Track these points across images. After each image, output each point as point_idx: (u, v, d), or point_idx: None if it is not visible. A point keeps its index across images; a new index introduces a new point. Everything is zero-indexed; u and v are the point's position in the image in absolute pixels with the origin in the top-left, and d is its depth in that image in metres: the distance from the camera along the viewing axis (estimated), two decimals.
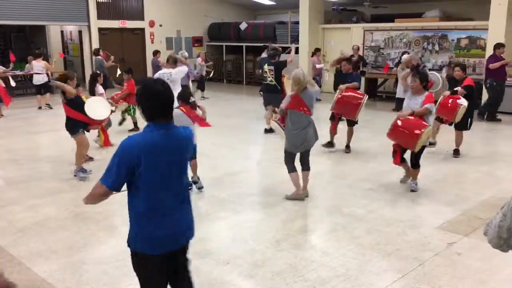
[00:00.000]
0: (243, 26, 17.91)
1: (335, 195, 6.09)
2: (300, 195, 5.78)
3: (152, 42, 17.94)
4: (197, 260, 4.30)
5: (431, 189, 6.20)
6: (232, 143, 8.98)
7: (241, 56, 18.41)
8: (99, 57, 13.69)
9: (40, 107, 12.83)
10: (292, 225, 5.09)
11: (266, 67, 9.41)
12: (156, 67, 12.24)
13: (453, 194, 6.01)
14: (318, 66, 13.55)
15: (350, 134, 8.17)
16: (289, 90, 7.14)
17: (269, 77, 9.34)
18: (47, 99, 12.88)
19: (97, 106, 6.81)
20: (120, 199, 5.93)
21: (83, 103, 6.65)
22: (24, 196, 5.98)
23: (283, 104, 5.66)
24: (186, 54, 11.93)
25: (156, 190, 2.64)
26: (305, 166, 5.85)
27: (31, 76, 13.21)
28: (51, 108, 12.64)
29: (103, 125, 7.63)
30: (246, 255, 4.41)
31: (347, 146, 8.18)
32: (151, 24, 17.85)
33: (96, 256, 4.40)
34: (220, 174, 6.95)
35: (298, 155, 5.81)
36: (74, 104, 6.55)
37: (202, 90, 14.34)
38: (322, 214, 5.42)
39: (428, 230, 4.94)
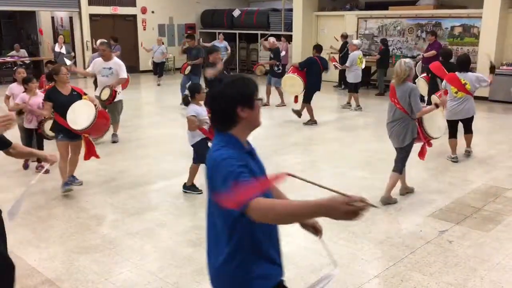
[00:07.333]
0: (236, 13, 17.74)
1: (327, 182, 6.07)
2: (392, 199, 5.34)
3: (145, 29, 17.75)
4: (190, 248, 4.30)
5: (423, 177, 6.20)
6: None
7: (235, 43, 18.27)
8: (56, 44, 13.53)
9: None
10: None
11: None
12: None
13: (445, 182, 6.03)
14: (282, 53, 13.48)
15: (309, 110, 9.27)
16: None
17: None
18: None
19: (82, 112, 5.40)
20: (107, 192, 5.90)
21: (70, 102, 5.41)
22: (13, 184, 5.91)
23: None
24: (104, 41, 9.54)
25: None
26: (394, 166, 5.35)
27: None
28: None
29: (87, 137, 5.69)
30: None
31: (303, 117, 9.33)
32: (143, 10, 17.63)
33: (86, 245, 4.36)
34: None
35: None
36: (55, 102, 5.46)
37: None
38: None
39: (419, 218, 4.95)
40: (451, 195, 5.56)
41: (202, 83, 7.50)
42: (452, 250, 4.24)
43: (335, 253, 4.16)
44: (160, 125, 9.59)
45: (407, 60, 5.24)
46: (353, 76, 10.75)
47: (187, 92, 5.46)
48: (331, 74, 13.14)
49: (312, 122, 9.31)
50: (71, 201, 5.40)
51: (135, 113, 10.38)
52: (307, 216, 1.84)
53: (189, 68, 10.70)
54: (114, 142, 7.96)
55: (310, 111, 9.29)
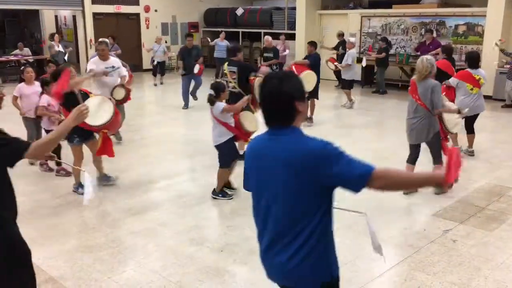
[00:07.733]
0: (239, 11, 17.71)
1: None
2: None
3: (148, 28, 17.74)
4: (192, 247, 4.30)
5: None
6: None
7: (238, 42, 18.24)
8: (53, 42, 13.61)
9: None
10: None
11: (226, 67, 6.91)
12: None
13: None
14: (286, 52, 13.42)
15: (311, 107, 9.13)
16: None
17: (230, 81, 6.78)
18: None
19: (98, 108, 5.29)
20: (110, 191, 5.89)
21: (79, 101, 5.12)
22: (16, 183, 5.90)
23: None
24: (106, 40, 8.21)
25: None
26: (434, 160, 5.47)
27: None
28: None
29: (106, 132, 5.60)
30: (242, 242, 4.39)
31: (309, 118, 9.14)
32: (146, 9, 17.63)
33: (89, 244, 4.36)
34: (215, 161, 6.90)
35: None
36: (65, 101, 5.21)
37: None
38: None
39: (423, 217, 4.94)
40: (455, 194, 5.54)
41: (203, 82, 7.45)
42: (456, 249, 4.23)
43: (339, 252, 4.14)
44: (162, 124, 9.59)
45: (429, 57, 5.31)
46: (351, 74, 10.74)
47: (211, 91, 5.30)
48: (331, 73, 13.05)
49: (310, 119, 9.12)
50: (74, 200, 5.41)
51: (137, 112, 10.38)
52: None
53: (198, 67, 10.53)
54: (118, 141, 7.91)
55: (313, 107, 9.20)
